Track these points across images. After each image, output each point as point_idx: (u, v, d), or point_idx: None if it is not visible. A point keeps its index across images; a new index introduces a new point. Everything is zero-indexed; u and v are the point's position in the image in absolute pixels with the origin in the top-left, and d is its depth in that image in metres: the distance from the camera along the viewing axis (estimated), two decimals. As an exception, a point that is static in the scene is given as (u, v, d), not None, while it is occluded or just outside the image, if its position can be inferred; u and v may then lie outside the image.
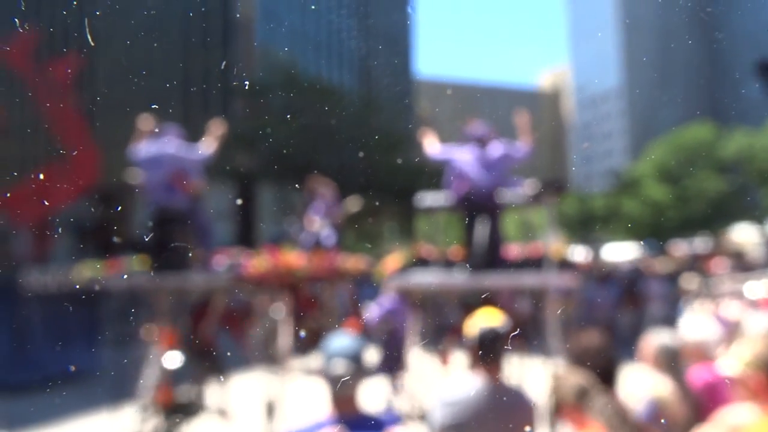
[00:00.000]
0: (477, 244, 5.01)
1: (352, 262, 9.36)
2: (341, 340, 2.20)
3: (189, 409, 5.23)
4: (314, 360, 9.67)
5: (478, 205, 5.10)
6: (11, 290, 7.92)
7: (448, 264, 5.56)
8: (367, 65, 38.76)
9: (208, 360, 5.50)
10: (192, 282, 5.34)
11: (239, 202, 28.13)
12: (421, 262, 5.92)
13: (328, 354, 2.15)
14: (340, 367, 2.10)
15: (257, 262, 5.54)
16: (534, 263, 5.27)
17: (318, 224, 9.47)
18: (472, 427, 2.37)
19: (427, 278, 5.46)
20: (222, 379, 5.55)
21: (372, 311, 6.90)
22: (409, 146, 35.64)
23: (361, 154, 27.04)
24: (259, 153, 27.53)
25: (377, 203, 25.82)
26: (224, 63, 30.44)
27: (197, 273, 5.33)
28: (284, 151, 24.81)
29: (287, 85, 29.54)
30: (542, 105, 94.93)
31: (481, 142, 5.39)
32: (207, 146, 5.66)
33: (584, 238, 34.08)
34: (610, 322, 10.65)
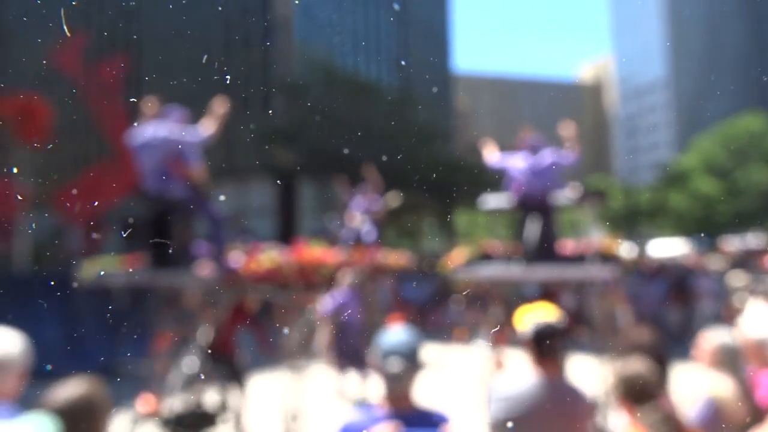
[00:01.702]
0: (531, 240, 5.57)
1: (394, 258, 9.38)
2: (396, 335, 2.19)
3: (203, 418, 4.91)
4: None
5: (532, 206, 5.67)
6: (64, 284, 8.15)
7: (509, 259, 6.03)
8: (405, 60, 38.70)
9: (228, 365, 5.17)
10: (179, 280, 4.92)
11: (279, 197, 28.52)
12: (486, 257, 6.44)
13: (382, 349, 2.14)
14: (395, 363, 2.09)
15: (259, 259, 5.12)
16: (593, 259, 5.70)
17: (359, 220, 9.51)
18: (526, 422, 2.34)
19: (488, 271, 6.02)
20: (242, 386, 5.22)
21: (325, 304, 6.90)
22: (448, 141, 35.49)
23: (399, 149, 27.03)
24: (299, 149, 27.81)
25: (417, 199, 25.78)
26: (264, 61, 30.84)
27: (186, 271, 4.84)
28: (324, 147, 24.99)
29: (326, 82, 29.75)
30: (584, 98, 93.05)
31: (534, 149, 5.92)
32: (206, 127, 4.97)
33: (629, 234, 33.31)
34: (657, 318, 10.38)
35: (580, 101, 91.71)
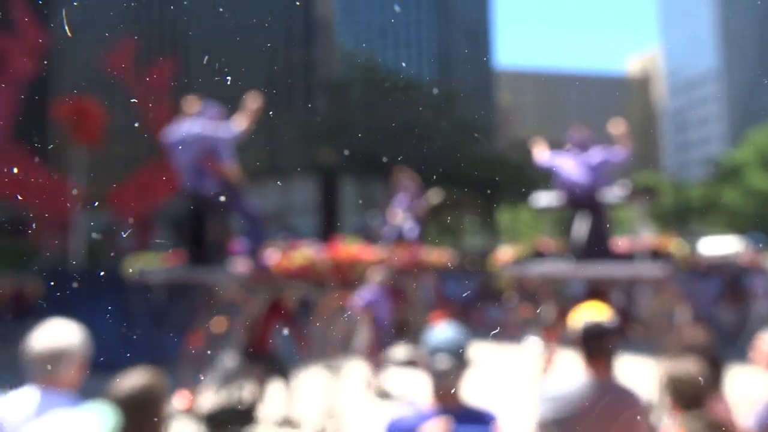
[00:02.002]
0: (580, 238, 5.60)
1: (436, 255, 9.37)
2: (443, 332, 2.19)
3: (239, 415, 4.84)
4: (400, 351, 9.78)
5: (581, 204, 5.69)
6: (117, 279, 8.41)
7: (560, 257, 6.03)
8: (446, 57, 38.49)
9: (265, 362, 5.10)
10: (213, 277, 4.91)
11: (322, 195, 28.80)
12: (538, 255, 6.45)
13: (430, 346, 2.15)
14: (443, 360, 2.10)
15: (291, 256, 5.05)
16: (644, 256, 5.62)
17: (401, 217, 9.53)
18: (575, 423, 2.31)
19: (537, 268, 6.08)
20: (283, 383, 5.18)
21: (355, 301, 6.86)
22: (490, 138, 35.12)
23: (441, 147, 26.90)
24: (341, 148, 28.01)
25: (459, 196, 25.62)
26: (306, 61, 31.18)
27: (221, 268, 4.84)
28: (366, 145, 25.11)
29: (367, 80, 29.85)
30: (631, 91, 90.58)
31: (583, 147, 5.95)
32: (238, 123, 4.89)
33: (680, 231, 32.30)
34: (711, 319, 10.05)
35: (627, 95, 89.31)
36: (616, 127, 5.81)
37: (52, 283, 11.17)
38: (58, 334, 2.27)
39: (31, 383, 2.24)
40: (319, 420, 5.08)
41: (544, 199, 6.39)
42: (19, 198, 14.64)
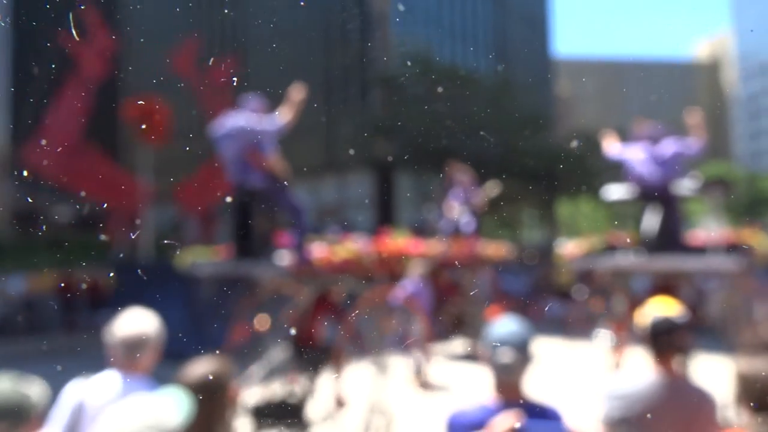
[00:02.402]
0: (652, 231, 5.58)
1: (493, 249, 9.28)
2: (507, 325, 2.18)
3: (287, 409, 4.83)
4: (457, 345, 9.76)
5: (653, 196, 5.65)
6: (177, 272, 8.63)
7: (630, 251, 6.02)
8: (503, 47, 37.85)
9: (313, 356, 5.04)
10: (257, 270, 4.90)
11: (378, 189, 28.93)
12: (611, 248, 6.49)
13: (493, 339, 2.14)
14: (507, 353, 2.08)
15: (334, 250, 4.99)
16: (718, 250, 5.58)
17: (457, 210, 9.48)
18: (643, 422, 2.24)
19: (606, 262, 6.07)
20: (332, 376, 5.10)
21: (397, 294, 6.73)
22: (549, 129, 34.35)
23: (499, 139, 26.53)
24: (397, 141, 28.07)
25: (517, 188, 25.22)
26: (362, 55, 31.34)
27: (265, 261, 4.82)
28: (422, 139, 25.06)
29: (424, 73, 29.75)
30: (700, 78, 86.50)
31: (653, 139, 5.90)
32: (282, 115, 4.82)
33: (753, 223, 30.70)
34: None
35: (695, 82, 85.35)
36: (692, 117, 5.71)
37: (123, 275, 11.73)
38: (137, 323, 2.41)
39: (111, 368, 2.38)
40: (366, 415, 5.06)
41: (616, 191, 6.33)
42: (93, 194, 15.42)
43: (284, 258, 4.77)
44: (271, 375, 4.98)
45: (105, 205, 15.78)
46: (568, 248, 7.11)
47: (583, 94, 77.48)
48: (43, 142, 13.63)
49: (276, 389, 5.08)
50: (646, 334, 2.36)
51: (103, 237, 16.69)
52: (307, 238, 4.89)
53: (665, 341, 2.32)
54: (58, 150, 13.64)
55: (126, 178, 15.24)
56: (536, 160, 26.89)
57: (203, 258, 5.66)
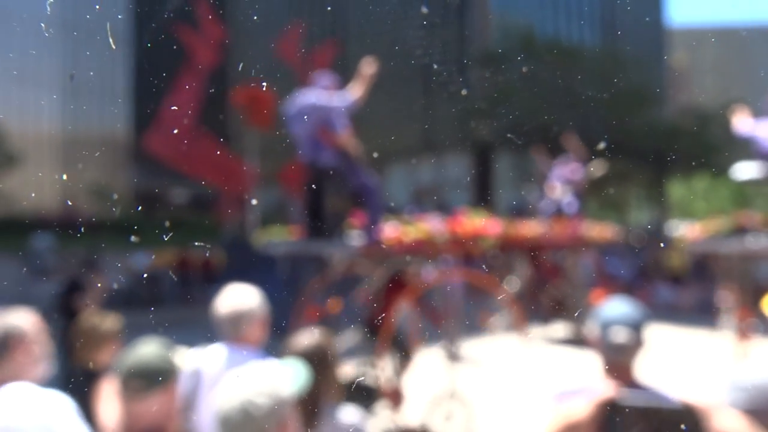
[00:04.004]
0: None
1: (597, 231, 8.91)
2: (619, 306, 2.11)
3: (359, 393, 4.73)
4: (557, 329, 9.53)
5: None
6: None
7: (760, 233, 5.63)
8: (611, 19, 35.77)
9: (386, 339, 4.84)
10: (326, 250, 4.82)
11: (477, 170, 28.56)
12: (740, 230, 6.01)
13: (604, 320, 2.08)
14: (620, 333, 2.02)
15: (406, 231, 4.82)
16: None
17: (559, 191, 9.18)
18: None
19: (734, 245, 5.68)
20: (404, 363, 4.95)
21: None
22: (663, 104, 32.20)
23: (607, 116, 25.25)
24: (498, 120, 27.50)
25: (625, 167, 23.95)
26: (461, 34, 30.85)
27: (335, 241, 4.74)
28: (525, 118, 24.39)
29: (526, 49, 28.82)
30: (841, 41, 77.25)
31: None
32: (354, 91, 4.68)
33: None
34: None
35: (835, 46, 76.37)
36: None
37: (231, 253, 12.46)
38: (238, 298, 2.56)
39: (220, 340, 2.56)
40: (442, 402, 4.97)
41: (746, 170, 5.87)
42: (206, 177, 16.44)
43: (356, 238, 4.71)
44: (344, 356, 4.83)
45: (216, 186, 16.78)
46: (690, 230, 6.67)
47: (702, 65, 71.75)
48: (162, 129, 14.66)
49: (348, 371, 5.06)
50: None
51: (215, 217, 17.77)
52: (380, 217, 4.75)
53: None
54: (176, 136, 14.63)
55: (235, 162, 16.09)
56: (647, 138, 25.36)
57: (278, 237, 5.67)
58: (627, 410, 1.01)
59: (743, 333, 5.48)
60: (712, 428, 0.98)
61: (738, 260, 5.95)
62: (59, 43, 37.22)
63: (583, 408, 1.04)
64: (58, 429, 1.77)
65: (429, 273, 5.93)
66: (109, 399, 2.11)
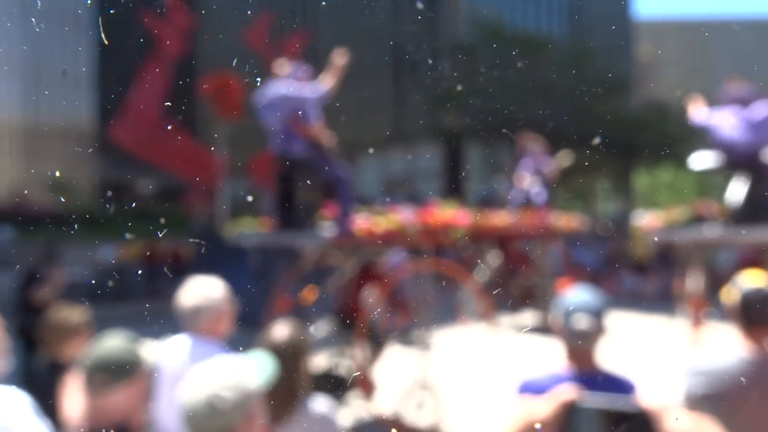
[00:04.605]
0: (737, 202, 5.25)
1: (565, 221, 9.06)
2: (581, 294, 2.15)
3: (329, 383, 4.75)
4: (526, 317, 9.68)
5: (742, 165, 5.28)
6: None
7: (715, 222, 5.70)
8: (579, 10, 36.19)
9: (359, 330, 4.85)
10: (297, 241, 4.80)
11: (447, 161, 28.70)
12: (698, 219, 6.12)
13: (566, 308, 2.12)
14: (581, 320, 2.06)
15: (377, 221, 4.82)
16: None
17: (528, 181, 9.30)
18: (729, 400, 2.15)
19: (689, 234, 5.76)
20: (376, 353, 4.97)
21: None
22: (628, 96, 32.77)
23: (574, 107, 25.59)
24: (466, 111, 27.64)
25: (591, 158, 24.35)
26: (431, 24, 30.85)
27: (307, 232, 4.74)
28: (493, 108, 24.56)
29: (495, 41, 28.98)
30: (799, 36, 79.63)
31: (744, 102, 5.45)
32: (325, 82, 4.67)
33: None
34: None
35: (793, 41, 78.70)
36: None
37: (201, 245, 12.30)
38: (202, 290, 2.52)
39: (183, 332, 2.53)
40: (413, 391, 4.99)
41: (702, 160, 5.89)
42: (173, 168, 16.16)
43: (327, 229, 4.73)
44: (315, 347, 4.88)
45: (185, 178, 16.52)
46: (648, 219, 6.75)
47: (667, 58, 73.18)
48: (127, 117, 14.34)
49: (320, 361, 5.06)
50: (736, 308, 2.26)
51: (184, 209, 17.50)
52: (352, 208, 4.76)
53: (757, 314, 2.21)
54: (142, 126, 14.33)
55: (204, 153, 15.86)
56: (613, 129, 25.81)
57: (249, 229, 5.64)
58: (585, 412, 1.05)
59: (698, 321, 5.58)
60: (666, 429, 1.02)
61: (694, 249, 6.01)
62: (20, 29, 36.06)
63: (543, 408, 1.08)
64: (14, 427, 1.74)
65: (392, 260, 5.94)
66: (74, 393, 2.08)
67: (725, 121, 5.42)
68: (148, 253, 14.51)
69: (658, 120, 25.40)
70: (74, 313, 2.86)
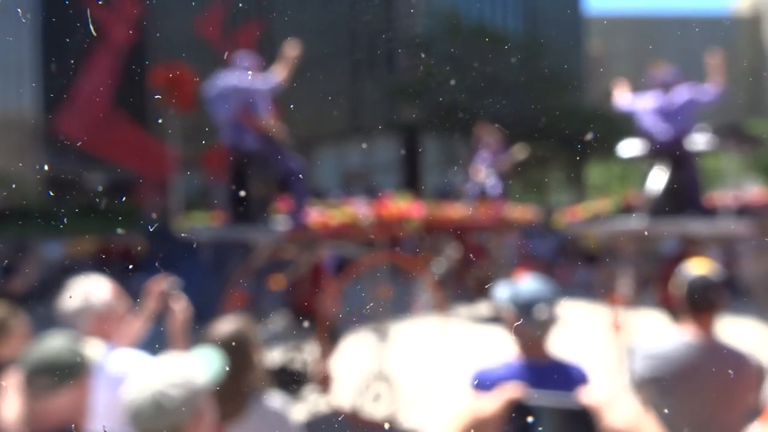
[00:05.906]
0: (659, 191, 5.07)
1: (520, 212, 9.22)
2: (531, 283, 2.17)
3: (285, 378, 4.70)
4: (482, 308, 9.81)
5: (664, 152, 5.13)
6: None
7: (638, 213, 5.52)
8: (532, 5, 36.75)
9: (312, 324, 4.79)
10: (251, 235, 4.74)
11: (403, 153, 28.78)
12: (628, 210, 6.04)
13: (519, 298, 2.13)
14: (539, 309, 2.07)
15: (330, 214, 4.78)
16: (729, 211, 5.03)
17: (484, 174, 9.41)
18: (675, 383, 2.22)
19: (604, 226, 5.70)
20: (331, 346, 4.91)
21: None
22: (580, 89, 33.51)
23: (528, 100, 26.01)
24: (423, 104, 27.76)
25: (545, 151, 24.80)
26: (388, 16, 30.79)
27: (260, 226, 4.66)
28: (449, 101, 24.73)
29: (450, 33, 29.16)
30: (740, 33, 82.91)
31: (666, 87, 5.27)
32: (276, 73, 4.58)
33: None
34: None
35: (735, 37, 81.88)
36: (713, 57, 5.07)
37: (152, 241, 12.01)
38: (83, 291, 2.37)
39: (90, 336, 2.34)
40: (370, 383, 4.97)
41: (629, 148, 5.79)
42: (123, 161, 15.69)
43: (281, 223, 4.65)
44: (270, 342, 4.82)
45: (135, 171, 16.06)
46: (570, 211, 6.76)
47: (617, 52, 75.12)
48: (73, 109, 13.83)
49: (275, 356, 5.00)
50: (682, 295, 2.32)
51: (134, 203, 17.02)
52: (306, 201, 4.69)
53: (702, 300, 2.28)
54: (88, 117, 13.84)
55: (154, 145, 15.43)
56: (566, 122, 26.35)
57: (202, 223, 5.51)
58: (530, 409, 1.06)
59: (617, 312, 5.48)
60: (606, 425, 1.04)
61: (621, 241, 5.84)
62: (-45, 15, 34.27)
63: (490, 405, 1.09)
64: None
65: (328, 255, 5.88)
66: (11, 396, 1.98)
67: (648, 107, 5.31)
68: (99, 250, 14.06)
69: (608, 113, 26.05)
70: (12, 312, 2.72)
